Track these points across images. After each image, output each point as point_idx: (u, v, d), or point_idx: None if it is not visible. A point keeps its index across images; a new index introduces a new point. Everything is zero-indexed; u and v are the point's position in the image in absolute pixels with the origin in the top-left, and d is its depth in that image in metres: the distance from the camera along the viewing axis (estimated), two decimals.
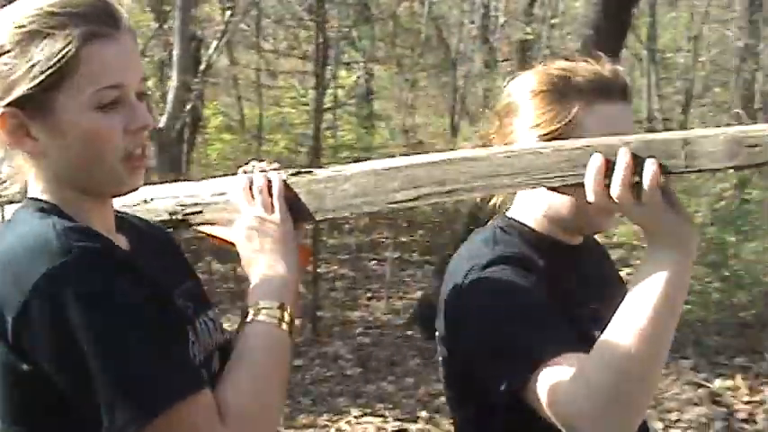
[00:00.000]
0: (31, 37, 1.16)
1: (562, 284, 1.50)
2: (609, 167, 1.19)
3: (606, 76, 1.51)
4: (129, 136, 1.21)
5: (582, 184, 1.22)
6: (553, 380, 1.28)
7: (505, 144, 1.51)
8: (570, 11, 10.11)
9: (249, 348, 1.24)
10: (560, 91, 1.50)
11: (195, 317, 1.34)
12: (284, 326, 1.27)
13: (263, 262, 1.32)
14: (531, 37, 9.29)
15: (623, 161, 1.18)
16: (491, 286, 1.44)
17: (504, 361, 1.38)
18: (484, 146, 1.53)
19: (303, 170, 1.41)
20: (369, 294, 7.66)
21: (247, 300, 1.30)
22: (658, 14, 10.19)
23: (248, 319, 1.27)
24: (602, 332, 1.28)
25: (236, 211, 1.39)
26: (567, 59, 1.59)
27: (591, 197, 1.22)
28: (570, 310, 1.46)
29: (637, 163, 1.18)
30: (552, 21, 9.80)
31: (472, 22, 10.84)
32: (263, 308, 1.27)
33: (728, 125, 1.17)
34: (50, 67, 1.15)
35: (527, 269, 1.47)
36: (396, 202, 1.33)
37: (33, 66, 1.16)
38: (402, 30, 10.30)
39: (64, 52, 1.15)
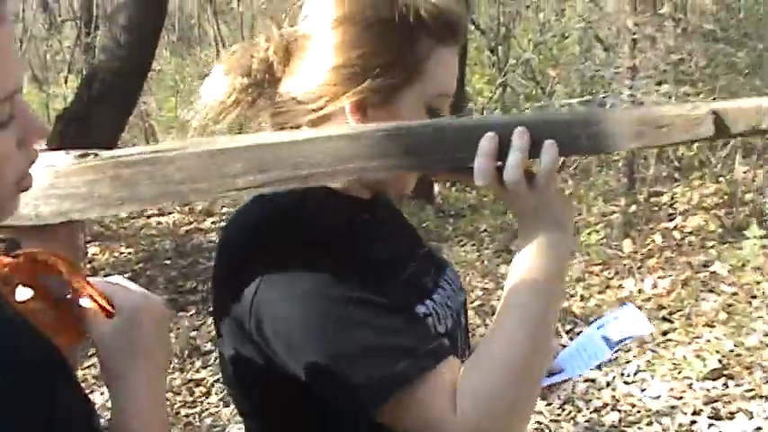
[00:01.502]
0: None
1: (374, 252, 1.24)
2: (502, 148, 1.05)
3: (453, 9, 1.23)
4: (23, 150, 0.89)
5: (470, 168, 1.07)
6: (432, 394, 1.09)
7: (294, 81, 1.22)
8: None
9: None
10: (405, 24, 1.18)
11: None
12: None
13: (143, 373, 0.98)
14: None
15: (521, 143, 1.04)
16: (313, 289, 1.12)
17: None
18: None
19: (90, 151, 1.11)
20: None
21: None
22: None
23: None
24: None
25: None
26: None
27: (480, 181, 1.06)
28: (397, 275, 1.25)
29: (534, 145, 1.05)
30: None
31: None
32: None
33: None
34: None
35: (343, 253, 1.17)
36: (237, 189, 1.10)
37: None
38: None
39: None
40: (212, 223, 8.39)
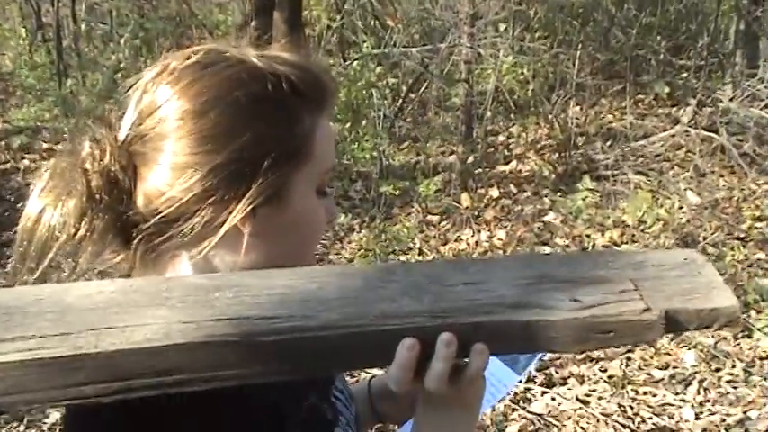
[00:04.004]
0: None
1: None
2: (425, 348, 0.87)
3: (324, 70, 1.05)
4: None
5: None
6: None
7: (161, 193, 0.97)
8: None
9: None
10: (283, 99, 0.98)
11: None
12: None
13: None
14: None
15: (447, 352, 0.87)
16: None
17: None
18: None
19: None
20: None
21: None
22: None
23: None
24: None
25: None
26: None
27: (396, 388, 0.89)
28: None
29: (462, 346, 0.88)
30: None
31: None
32: None
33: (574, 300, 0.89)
34: None
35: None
36: (85, 397, 0.84)
37: None
38: None
39: None
40: (31, 162, 7.80)
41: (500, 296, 0.91)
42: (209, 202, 0.96)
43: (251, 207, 0.96)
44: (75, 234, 0.97)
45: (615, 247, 5.22)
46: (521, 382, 3.81)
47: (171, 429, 0.92)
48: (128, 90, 1.01)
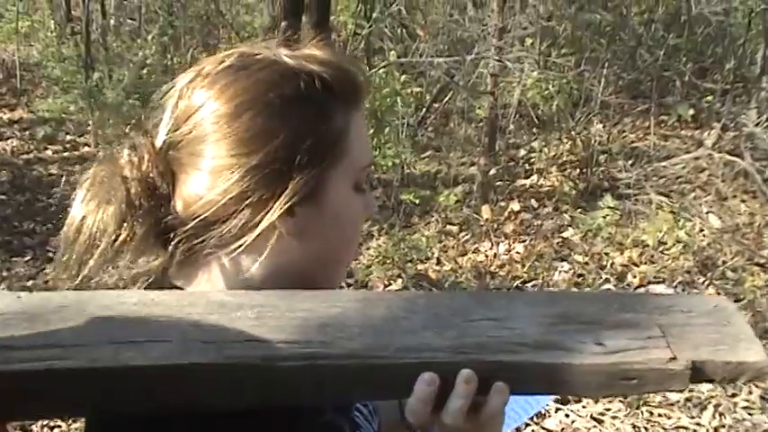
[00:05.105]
0: None
1: None
2: (443, 388, 0.86)
3: (356, 66, 1.06)
4: None
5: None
6: None
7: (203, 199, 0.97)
8: None
9: None
10: (315, 97, 0.98)
11: None
12: None
13: None
14: None
15: (466, 391, 0.86)
16: None
17: None
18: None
19: None
20: None
21: None
22: None
23: None
24: None
25: None
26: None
27: (414, 421, 0.89)
28: None
29: (481, 383, 0.86)
30: None
31: None
32: None
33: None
34: None
35: None
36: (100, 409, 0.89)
37: None
38: None
39: None
40: (54, 153, 7.85)
41: (523, 335, 0.90)
42: (246, 203, 0.97)
43: (288, 206, 0.97)
44: (116, 240, 0.98)
45: (634, 267, 5.22)
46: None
47: None
48: (162, 96, 1.03)
